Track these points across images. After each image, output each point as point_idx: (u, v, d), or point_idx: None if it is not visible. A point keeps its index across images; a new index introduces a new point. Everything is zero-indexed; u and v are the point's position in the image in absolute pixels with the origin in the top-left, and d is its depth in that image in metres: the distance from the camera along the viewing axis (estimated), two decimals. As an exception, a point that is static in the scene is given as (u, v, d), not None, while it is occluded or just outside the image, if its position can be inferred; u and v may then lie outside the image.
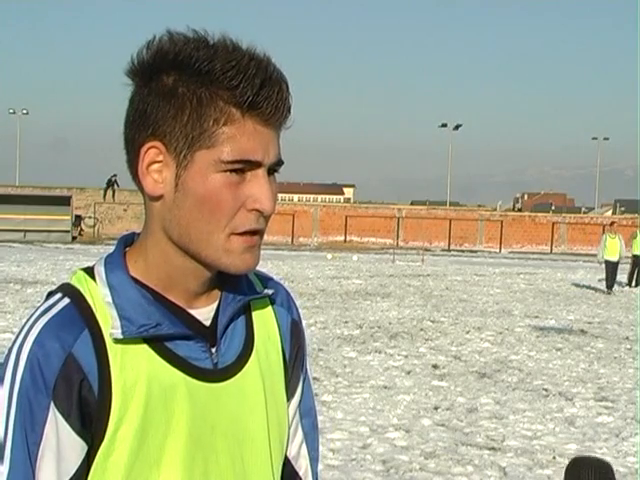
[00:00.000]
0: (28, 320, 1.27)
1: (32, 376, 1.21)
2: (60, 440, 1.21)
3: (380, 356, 12.06)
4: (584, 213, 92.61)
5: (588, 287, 25.37)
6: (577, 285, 26.05)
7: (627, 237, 27.61)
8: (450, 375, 10.86)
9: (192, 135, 1.23)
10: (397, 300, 19.69)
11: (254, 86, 1.22)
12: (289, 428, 1.48)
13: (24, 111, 73.96)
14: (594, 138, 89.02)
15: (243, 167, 1.24)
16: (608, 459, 7.23)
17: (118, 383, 1.24)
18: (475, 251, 50.79)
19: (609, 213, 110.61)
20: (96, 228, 49.69)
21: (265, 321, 1.44)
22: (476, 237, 54.40)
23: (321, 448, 7.88)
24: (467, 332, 14.77)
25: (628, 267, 26.30)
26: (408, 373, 10.88)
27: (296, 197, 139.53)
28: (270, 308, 1.46)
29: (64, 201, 46.77)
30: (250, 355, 1.38)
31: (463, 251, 50.24)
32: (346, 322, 15.52)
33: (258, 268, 1.37)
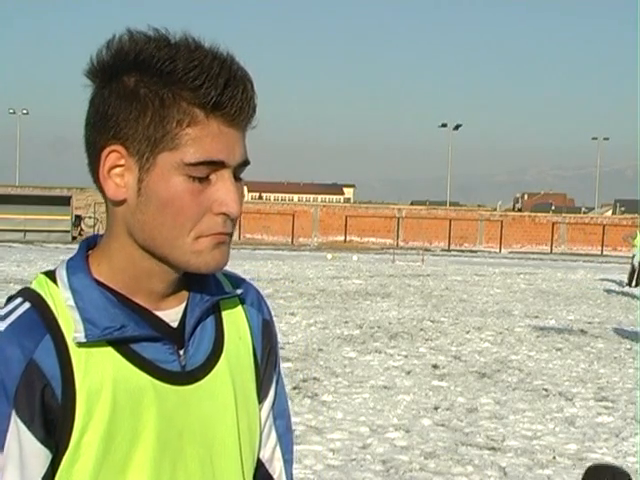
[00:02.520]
0: None
1: None
2: (23, 449, 1.17)
3: (380, 356, 12.06)
4: (584, 213, 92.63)
5: (588, 287, 25.36)
6: (577, 285, 26.03)
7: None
8: (450, 375, 10.85)
9: (155, 137, 1.20)
10: (397, 300, 19.68)
11: (218, 86, 1.19)
12: (262, 431, 1.45)
13: (24, 111, 73.95)
14: (594, 138, 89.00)
15: (208, 172, 1.21)
16: (608, 459, 7.27)
17: (82, 388, 1.20)
18: (475, 251, 50.77)
19: (609, 213, 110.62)
20: (96, 228, 49.62)
21: (235, 321, 1.41)
22: (476, 237, 54.39)
23: (321, 448, 7.92)
24: (467, 332, 14.77)
25: (628, 267, 26.30)
26: (408, 373, 10.87)
27: (296, 197, 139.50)
28: (240, 308, 1.43)
29: (64, 201, 46.75)
30: (220, 357, 1.35)
31: (463, 251, 50.22)
32: (346, 322, 15.52)
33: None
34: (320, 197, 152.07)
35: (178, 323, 1.32)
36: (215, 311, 1.38)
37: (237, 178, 1.26)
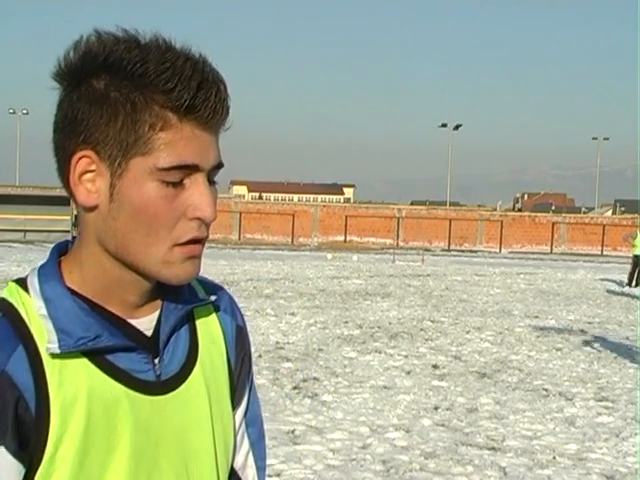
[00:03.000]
0: None
1: None
2: None
3: (380, 356, 12.06)
4: (584, 213, 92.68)
5: (588, 287, 25.36)
6: (577, 285, 26.04)
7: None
8: (450, 375, 10.85)
9: (127, 142, 1.17)
10: (397, 300, 19.68)
11: (191, 89, 1.16)
12: (235, 438, 1.43)
13: (24, 111, 74.00)
14: (594, 138, 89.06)
15: (182, 176, 1.18)
16: (608, 459, 7.26)
17: (57, 400, 1.17)
18: (475, 251, 50.79)
19: (609, 213, 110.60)
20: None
21: (209, 328, 1.39)
22: (476, 237, 54.41)
23: (321, 448, 7.91)
24: (467, 332, 14.76)
25: (628, 267, 26.31)
26: (408, 373, 10.87)
27: (296, 197, 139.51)
28: (214, 315, 1.41)
29: (64, 201, 46.61)
30: (194, 365, 1.33)
31: (463, 251, 50.24)
32: (346, 322, 15.51)
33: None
34: (320, 197, 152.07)
35: (152, 331, 1.29)
36: (189, 318, 1.36)
37: (211, 182, 1.23)
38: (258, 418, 1.51)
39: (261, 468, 1.50)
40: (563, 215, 61.36)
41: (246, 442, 1.47)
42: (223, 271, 26.16)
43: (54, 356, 1.18)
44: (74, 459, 1.17)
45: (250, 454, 1.48)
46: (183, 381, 1.30)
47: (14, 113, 75.34)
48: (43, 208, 44.79)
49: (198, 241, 1.22)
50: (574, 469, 7.05)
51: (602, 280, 28.05)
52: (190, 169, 1.18)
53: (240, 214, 53.43)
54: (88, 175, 1.19)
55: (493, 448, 7.57)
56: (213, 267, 27.23)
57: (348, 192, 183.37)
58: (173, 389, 1.28)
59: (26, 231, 45.43)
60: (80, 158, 1.19)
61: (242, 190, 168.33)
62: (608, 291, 24.22)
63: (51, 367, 1.18)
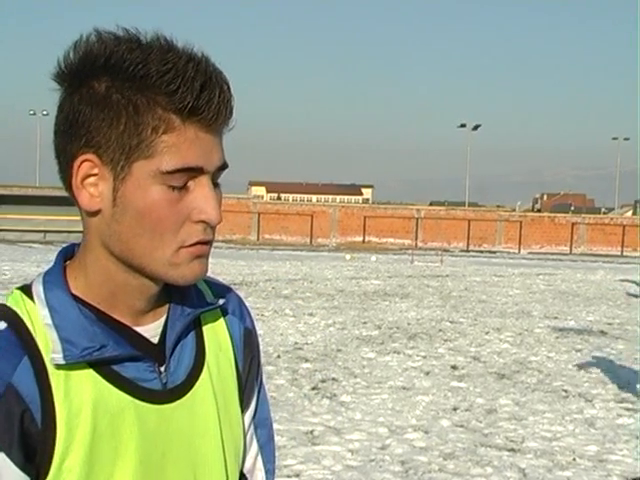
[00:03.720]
0: None
1: None
2: (1, 477, 1.13)
3: (399, 357, 12.04)
4: (604, 214, 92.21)
5: (608, 288, 25.22)
6: (597, 286, 25.90)
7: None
8: (469, 376, 10.82)
9: (129, 145, 1.15)
10: (416, 301, 19.64)
11: (194, 90, 1.14)
12: (245, 441, 1.42)
13: (44, 112, 74.29)
14: (614, 138, 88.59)
15: (186, 179, 1.17)
16: (629, 461, 7.21)
17: (62, 412, 1.16)
18: (494, 252, 50.63)
19: (629, 214, 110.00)
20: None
21: (216, 333, 1.37)
22: (495, 238, 54.25)
23: (339, 448, 7.90)
24: (486, 333, 14.72)
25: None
26: (427, 374, 10.85)
27: (315, 197, 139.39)
28: (221, 319, 1.39)
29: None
30: (201, 371, 1.31)
31: (482, 252, 50.10)
32: (365, 323, 15.50)
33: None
34: (339, 198, 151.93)
35: (158, 338, 1.28)
36: (196, 324, 1.34)
37: (215, 183, 1.22)
38: (267, 420, 1.49)
39: (270, 471, 1.48)
40: (583, 215, 61.08)
41: (255, 444, 1.46)
42: (242, 271, 26.19)
43: (59, 366, 1.17)
44: (81, 470, 1.17)
45: (259, 456, 1.47)
46: (190, 389, 1.29)
47: (34, 114, 75.83)
48: (63, 209, 44.87)
49: (205, 243, 1.21)
50: (594, 471, 7.01)
51: (622, 281, 27.87)
52: (194, 172, 1.17)
53: (259, 215, 53.49)
54: (90, 179, 1.18)
55: (512, 449, 7.55)
56: (232, 267, 27.28)
57: (367, 193, 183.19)
58: (179, 397, 1.27)
59: (46, 232, 45.65)
60: (82, 162, 1.17)
61: (261, 191, 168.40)
62: (628, 292, 24.07)
63: (56, 378, 1.17)
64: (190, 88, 1.14)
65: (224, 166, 1.22)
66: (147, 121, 1.15)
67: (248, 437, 1.44)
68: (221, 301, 1.37)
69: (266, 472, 1.47)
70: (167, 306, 1.31)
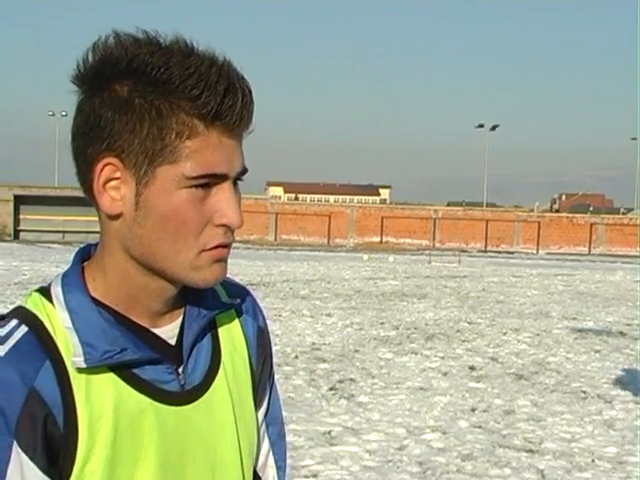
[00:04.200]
0: None
1: None
2: None
3: (416, 357, 12.02)
4: (623, 214, 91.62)
5: (627, 289, 25.10)
6: (616, 286, 25.78)
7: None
8: (487, 377, 10.79)
9: (153, 150, 1.15)
10: (433, 301, 19.61)
11: (217, 95, 1.14)
12: (259, 440, 1.43)
13: (63, 113, 74.62)
14: (633, 138, 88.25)
15: (208, 181, 1.17)
16: (648, 462, 7.14)
17: (84, 415, 1.17)
18: (512, 252, 50.49)
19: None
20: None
21: (231, 333, 1.39)
22: (513, 238, 54.10)
23: (357, 449, 7.88)
24: (504, 333, 14.68)
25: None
26: (445, 374, 10.83)
27: (332, 198, 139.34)
28: (236, 320, 1.41)
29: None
30: (217, 372, 1.33)
31: (500, 252, 49.96)
32: (382, 323, 15.49)
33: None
34: (356, 198, 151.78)
35: (175, 340, 1.29)
36: (211, 325, 1.35)
37: (236, 187, 1.22)
38: (278, 418, 1.50)
39: (281, 468, 1.49)
40: (601, 216, 60.77)
41: (266, 442, 1.47)
42: (259, 272, 26.23)
43: (80, 370, 1.18)
44: (103, 472, 1.18)
45: (270, 454, 1.47)
46: (207, 389, 1.30)
47: (53, 115, 76.28)
48: (81, 209, 45.10)
49: (225, 246, 1.22)
50: (614, 472, 6.98)
51: (641, 281, 27.73)
52: (217, 177, 1.18)
53: (276, 215, 53.56)
54: (112, 183, 1.18)
55: (531, 450, 7.52)
56: (250, 268, 27.32)
57: (384, 193, 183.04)
58: (197, 398, 1.28)
59: (65, 232, 45.93)
60: (104, 165, 1.17)
61: (278, 191, 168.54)
62: (647, 293, 23.95)
63: (78, 381, 1.18)
64: (213, 93, 1.14)
65: (244, 171, 1.23)
66: (171, 126, 1.15)
67: (260, 435, 1.45)
68: (236, 301, 1.39)
69: (277, 469, 1.48)
70: (183, 307, 1.32)
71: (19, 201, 48.09)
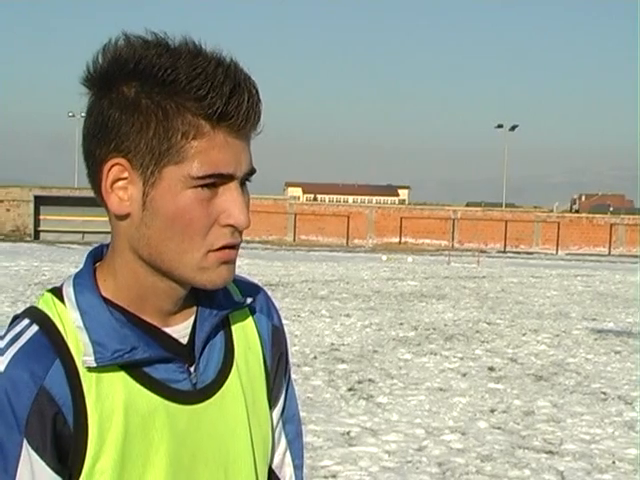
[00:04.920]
0: None
1: (2, 413, 1.14)
2: (35, 479, 1.14)
3: (435, 358, 12.00)
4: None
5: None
6: (636, 287, 25.64)
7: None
8: (506, 378, 10.76)
9: (159, 150, 1.15)
10: (452, 302, 19.58)
11: (223, 95, 1.14)
12: (273, 438, 1.42)
13: (83, 114, 74.48)
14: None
15: (215, 181, 1.17)
16: (669, 464, 7.10)
17: (94, 414, 1.17)
18: (531, 253, 50.32)
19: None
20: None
21: (245, 331, 1.38)
22: (532, 239, 53.91)
23: (376, 450, 7.85)
24: (523, 334, 14.63)
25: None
26: (464, 375, 10.81)
27: (351, 198, 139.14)
28: (250, 318, 1.40)
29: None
30: (230, 370, 1.32)
31: (519, 253, 49.81)
32: (401, 324, 15.47)
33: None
34: (375, 199, 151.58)
35: (187, 339, 1.29)
36: (224, 324, 1.35)
37: (243, 187, 1.22)
38: (295, 417, 1.49)
39: (298, 466, 1.48)
40: (621, 216, 60.43)
41: (283, 440, 1.46)
42: (278, 272, 26.25)
43: (91, 369, 1.18)
44: (113, 471, 1.18)
45: (287, 452, 1.47)
46: (219, 388, 1.30)
47: (73, 116, 76.66)
48: (101, 210, 43.62)
49: (232, 247, 1.22)
50: (634, 474, 6.94)
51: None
52: (223, 177, 1.17)
53: (295, 215, 53.60)
54: (120, 183, 1.19)
55: (550, 452, 7.49)
56: (268, 268, 27.34)
57: (403, 193, 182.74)
58: (209, 397, 1.28)
59: (84, 232, 46.14)
60: (112, 166, 1.18)
61: (297, 192, 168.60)
62: (668, 293, 23.81)
63: (88, 380, 1.18)
64: (219, 93, 1.14)
65: (252, 171, 1.23)
66: (177, 126, 1.15)
67: (277, 433, 1.44)
68: (249, 300, 1.38)
69: (294, 467, 1.47)
70: (195, 306, 1.31)
71: (39, 202, 48.40)
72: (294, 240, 52.86)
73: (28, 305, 1.27)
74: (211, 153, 1.16)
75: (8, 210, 50.12)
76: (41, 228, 48.53)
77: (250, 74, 1.20)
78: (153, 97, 1.15)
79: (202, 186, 1.17)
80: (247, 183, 1.24)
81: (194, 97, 1.14)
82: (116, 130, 1.16)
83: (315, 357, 11.61)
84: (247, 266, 26.09)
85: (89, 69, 1.20)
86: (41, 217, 48.73)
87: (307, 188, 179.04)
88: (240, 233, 1.22)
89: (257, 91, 1.20)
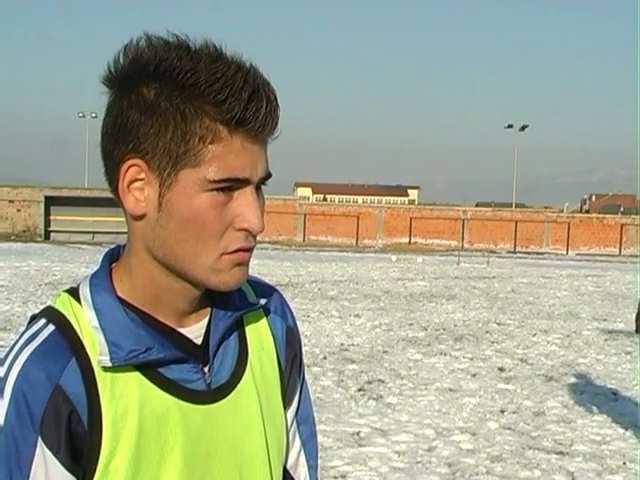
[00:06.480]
0: (11, 350, 1.20)
1: (17, 411, 1.15)
2: (49, 477, 1.16)
3: (445, 358, 11.99)
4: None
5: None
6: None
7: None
8: (516, 378, 10.74)
9: (176, 153, 1.16)
10: (462, 302, 19.55)
11: (242, 100, 1.15)
12: (288, 438, 1.43)
13: (93, 114, 75.12)
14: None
15: (231, 185, 1.18)
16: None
17: (109, 413, 1.18)
18: (541, 253, 50.20)
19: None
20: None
21: (259, 332, 1.39)
22: (542, 239, 53.77)
23: (386, 450, 7.86)
24: (533, 335, 14.60)
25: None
26: (474, 376, 10.79)
27: (360, 199, 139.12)
28: (264, 319, 1.41)
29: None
30: (244, 371, 1.33)
31: (529, 253, 49.69)
32: (411, 324, 15.46)
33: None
34: (384, 199, 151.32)
35: (202, 339, 1.30)
36: (238, 324, 1.36)
37: (259, 191, 1.23)
38: (309, 417, 1.50)
39: (313, 467, 1.49)
40: (632, 217, 60.18)
41: (297, 441, 1.47)
42: (288, 273, 26.25)
43: (106, 369, 1.19)
44: (127, 471, 1.19)
45: (302, 453, 1.48)
46: (233, 388, 1.31)
47: (83, 117, 76.82)
48: (111, 210, 45.35)
49: (246, 250, 1.23)
50: (644, 475, 6.92)
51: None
52: (239, 182, 1.18)
53: (305, 216, 53.59)
54: (137, 184, 1.20)
55: (561, 452, 7.47)
56: (278, 269, 27.35)
57: (412, 194, 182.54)
58: (223, 397, 1.29)
59: (95, 233, 46.20)
60: (129, 166, 1.19)
61: (307, 192, 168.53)
62: (679, 294, 23.74)
63: (103, 380, 1.19)
64: (238, 99, 1.15)
65: (268, 176, 1.23)
66: (194, 130, 1.16)
67: (291, 433, 1.45)
68: (263, 301, 1.39)
69: (309, 468, 1.48)
70: (210, 307, 1.32)
71: (50, 202, 48.48)
72: (304, 240, 52.86)
73: (39, 305, 1.28)
74: (228, 158, 1.17)
75: (19, 210, 50.24)
76: (51, 228, 48.61)
77: (269, 79, 1.20)
78: (172, 100, 1.16)
79: (218, 190, 1.18)
80: (262, 187, 1.25)
81: (213, 101, 1.15)
82: (135, 131, 1.18)
83: (325, 357, 11.61)
84: (257, 266, 26.08)
85: (110, 68, 1.21)
86: (51, 217, 48.80)
87: (317, 188, 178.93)
88: (254, 237, 1.23)
89: (275, 97, 1.20)
